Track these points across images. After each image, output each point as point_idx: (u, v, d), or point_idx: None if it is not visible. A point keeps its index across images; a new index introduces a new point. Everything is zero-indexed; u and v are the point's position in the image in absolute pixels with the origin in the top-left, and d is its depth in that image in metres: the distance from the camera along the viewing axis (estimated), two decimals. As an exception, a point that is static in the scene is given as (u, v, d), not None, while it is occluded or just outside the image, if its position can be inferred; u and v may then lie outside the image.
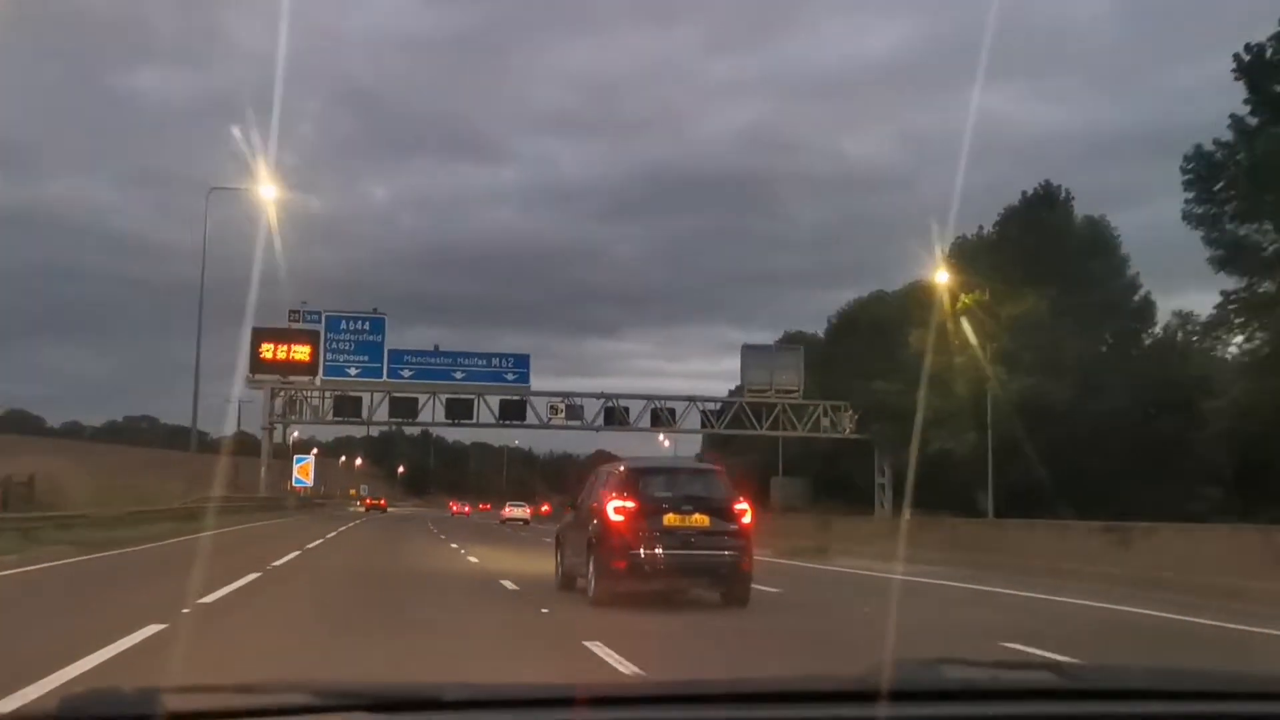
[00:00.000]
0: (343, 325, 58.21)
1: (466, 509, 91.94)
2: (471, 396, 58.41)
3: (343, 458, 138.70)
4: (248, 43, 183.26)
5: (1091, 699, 1.33)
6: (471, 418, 59.04)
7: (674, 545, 12.11)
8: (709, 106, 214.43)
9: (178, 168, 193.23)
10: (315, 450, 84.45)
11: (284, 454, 73.45)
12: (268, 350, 57.03)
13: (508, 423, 60.77)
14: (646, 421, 59.31)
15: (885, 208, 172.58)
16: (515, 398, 59.07)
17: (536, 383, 59.70)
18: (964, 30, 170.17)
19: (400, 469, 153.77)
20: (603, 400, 59.17)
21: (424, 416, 60.84)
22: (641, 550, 12.04)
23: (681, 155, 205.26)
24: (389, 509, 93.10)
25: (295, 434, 76.54)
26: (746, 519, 12.60)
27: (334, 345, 57.88)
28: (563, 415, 59.17)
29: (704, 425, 61.66)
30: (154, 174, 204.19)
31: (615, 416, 59.05)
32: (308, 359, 57.40)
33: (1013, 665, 2.08)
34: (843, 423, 59.01)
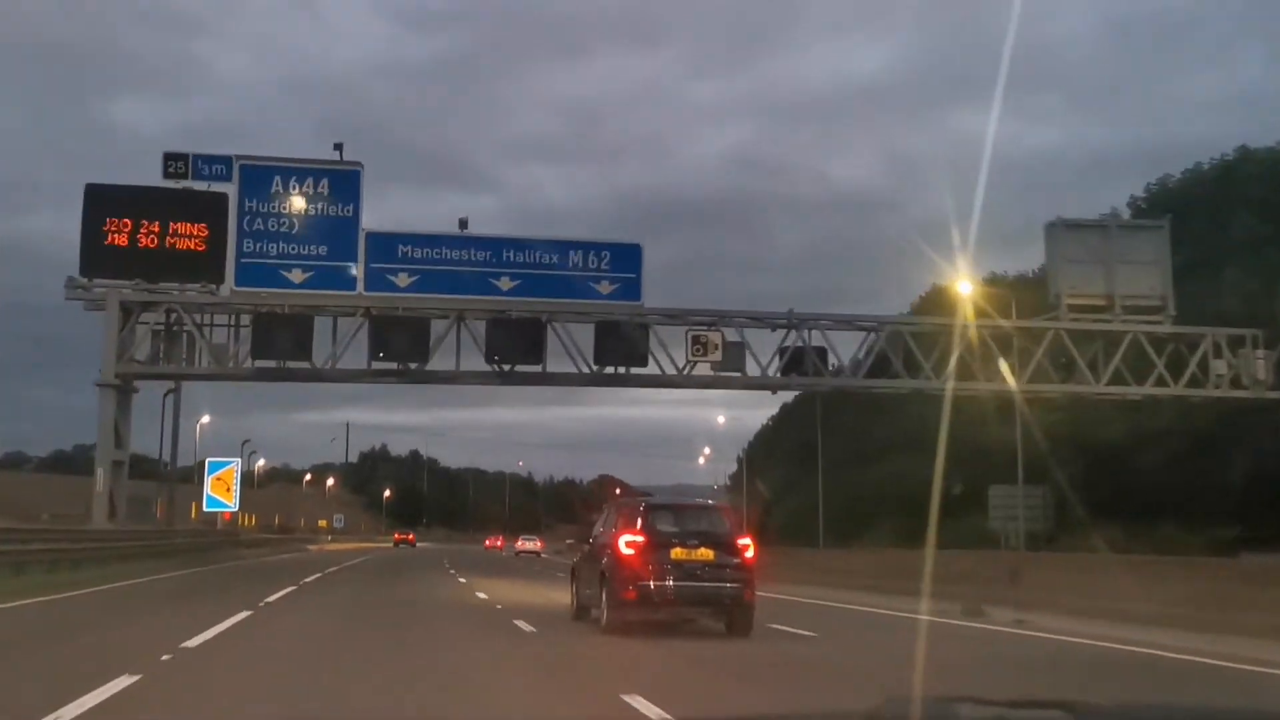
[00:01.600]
0: (276, 184, 31.14)
1: (500, 542, 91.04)
2: (537, 318, 31.16)
3: (308, 475, 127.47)
4: (227, 73, 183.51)
5: None
6: (538, 361, 31.20)
7: (681, 577, 12.98)
8: (693, 130, 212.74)
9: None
10: (237, 462, 52.83)
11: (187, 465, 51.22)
12: (117, 232, 30.60)
13: (617, 370, 32.04)
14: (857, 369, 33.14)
15: (871, 231, 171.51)
16: (621, 319, 31.54)
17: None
18: (952, 50, 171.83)
19: (387, 494, 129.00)
20: (786, 331, 32.73)
21: (443, 360, 31.55)
22: (651, 582, 12.92)
23: (665, 180, 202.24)
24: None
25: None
26: (749, 554, 13.39)
27: (258, 225, 31.07)
28: (717, 352, 31.49)
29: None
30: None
31: (803, 361, 32.64)
32: (202, 248, 30.87)
33: (1026, 704, 2.12)
34: (1253, 368, 32.68)
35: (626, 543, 13.23)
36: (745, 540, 13.74)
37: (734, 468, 78.90)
